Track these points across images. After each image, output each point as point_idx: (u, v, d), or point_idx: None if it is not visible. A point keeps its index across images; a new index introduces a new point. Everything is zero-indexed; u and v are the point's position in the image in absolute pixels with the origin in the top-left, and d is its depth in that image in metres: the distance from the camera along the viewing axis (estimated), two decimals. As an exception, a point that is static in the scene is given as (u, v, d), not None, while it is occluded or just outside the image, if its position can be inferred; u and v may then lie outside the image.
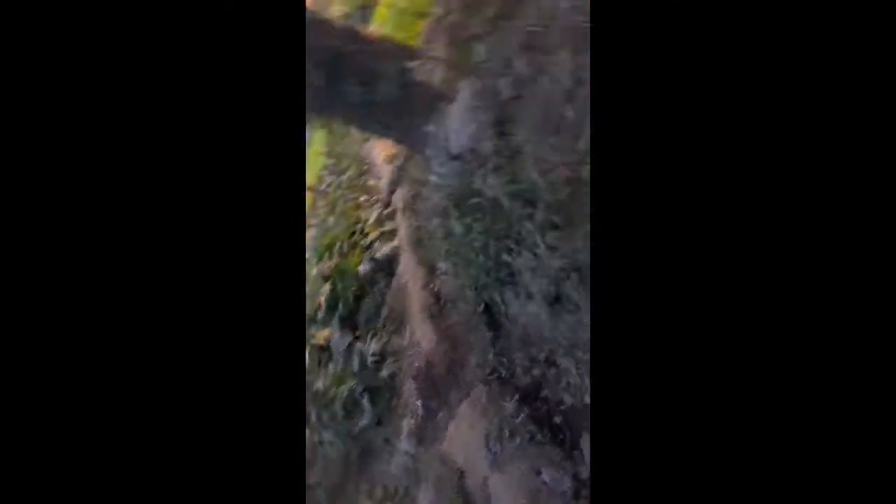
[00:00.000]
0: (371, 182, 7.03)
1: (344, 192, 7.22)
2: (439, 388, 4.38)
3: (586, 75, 2.41)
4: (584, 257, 2.51)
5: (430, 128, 4.15)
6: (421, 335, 4.78)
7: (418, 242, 5.57)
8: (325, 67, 3.71)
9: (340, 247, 5.83)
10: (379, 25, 6.84)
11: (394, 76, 4.03)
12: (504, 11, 3.66)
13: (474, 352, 4.02)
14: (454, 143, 3.78)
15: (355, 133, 7.70)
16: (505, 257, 3.20)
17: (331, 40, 3.83)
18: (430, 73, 4.76)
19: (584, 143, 2.50)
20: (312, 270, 6.01)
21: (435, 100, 4.08)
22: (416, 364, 4.55)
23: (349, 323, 5.37)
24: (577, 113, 2.49)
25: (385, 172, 6.75)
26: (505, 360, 3.71)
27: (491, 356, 3.76)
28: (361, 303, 5.50)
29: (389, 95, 3.98)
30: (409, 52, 4.70)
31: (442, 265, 5.08)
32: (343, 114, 4.03)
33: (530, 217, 2.70)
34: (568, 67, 2.56)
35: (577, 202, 2.48)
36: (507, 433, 3.21)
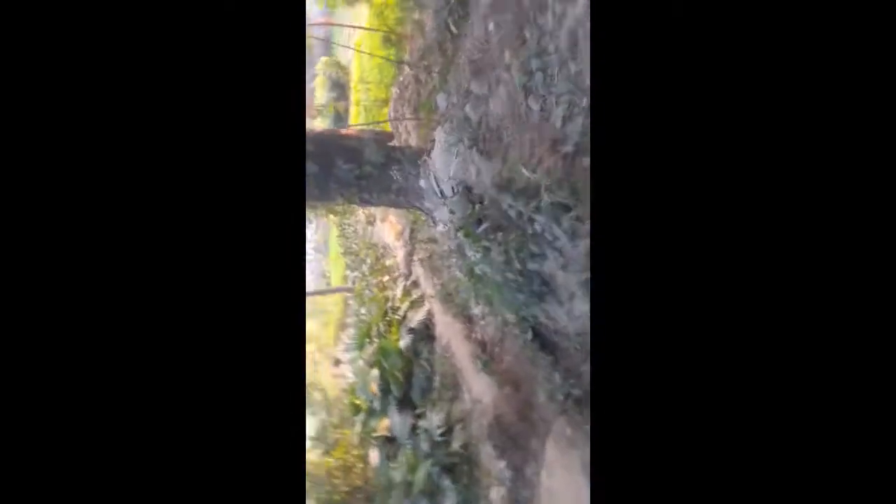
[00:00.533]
0: (388, 262, 7.14)
1: (367, 279, 7.33)
2: (517, 439, 3.93)
3: (533, 66, 2.46)
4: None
5: (422, 182, 4.26)
6: (480, 389, 4.42)
7: (447, 297, 5.43)
8: (316, 158, 3.95)
9: (378, 330, 5.73)
10: (354, 123, 7.50)
11: (376, 149, 4.26)
12: (446, 63, 3.93)
13: (540, 384, 3.66)
14: (446, 185, 3.84)
15: (360, 225, 8.03)
16: (531, 265, 3.03)
17: (317, 142, 4.14)
18: (407, 138, 5.03)
19: (558, 120, 2.47)
20: (358, 361, 5.87)
21: (416, 156, 4.24)
22: (486, 422, 4.14)
23: (407, 403, 5.07)
24: (539, 100, 2.51)
25: (398, 247, 6.88)
26: (572, 379, 3.35)
27: (558, 380, 3.40)
28: (412, 378, 5.24)
29: (376, 165, 4.16)
30: (385, 135, 5.04)
31: (476, 310, 4.88)
32: (341, 193, 4.20)
33: (537, 209, 2.59)
34: (515, 68, 2.64)
35: (576, 175, 2.37)
36: (605, 457, 2.76)
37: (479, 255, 3.42)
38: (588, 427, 2.98)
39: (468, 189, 3.42)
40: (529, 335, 3.63)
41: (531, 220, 2.81)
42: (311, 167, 4.03)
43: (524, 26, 2.62)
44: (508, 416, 3.95)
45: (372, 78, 6.00)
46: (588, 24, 2.23)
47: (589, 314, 3.04)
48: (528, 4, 2.62)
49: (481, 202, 3.24)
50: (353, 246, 8.35)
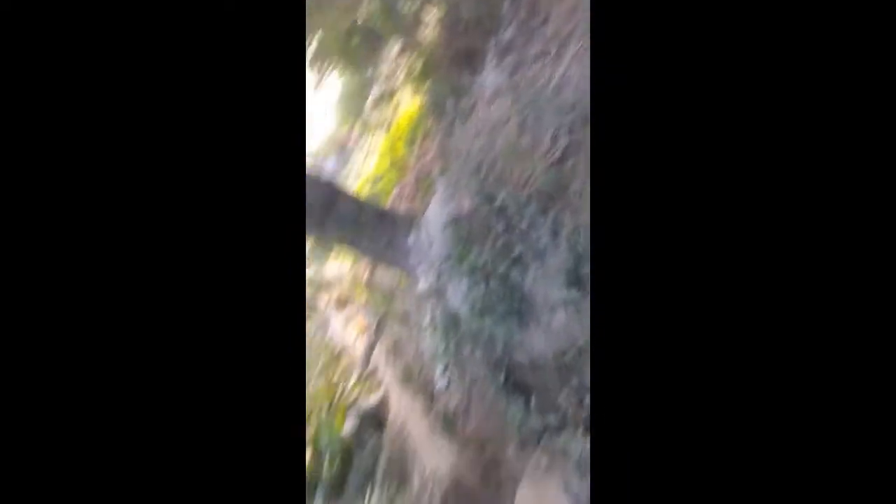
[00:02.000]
0: (346, 361, 6.63)
1: (315, 382, 6.60)
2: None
3: (508, 113, 3.31)
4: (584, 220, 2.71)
5: (410, 239, 4.64)
6: (437, 461, 3.69)
7: (407, 378, 4.98)
8: (320, 197, 4.37)
9: (319, 412, 4.96)
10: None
11: (375, 207, 4.77)
12: (447, 146, 4.89)
13: (512, 435, 3.25)
14: (436, 234, 4.23)
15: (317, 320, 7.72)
16: (513, 274, 3.20)
17: (323, 185, 4.67)
18: (404, 203, 5.63)
19: (549, 152, 3.17)
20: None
21: (409, 216, 4.75)
22: (439, 495, 3.35)
23: (336, 496, 4.01)
24: (530, 133, 3.25)
25: (359, 345, 6.53)
26: (551, 414, 3.07)
27: (533, 419, 3.09)
28: (349, 471, 4.29)
29: (373, 217, 4.60)
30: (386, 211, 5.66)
31: (441, 382, 4.50)
32: (336, 231, 4.44)
33: (527, 202, 2.97)
34: (497, 109, 3.48)
35: (562, 172, 2.88)
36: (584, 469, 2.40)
37: (463, 286, 3.55)
38: (564, 444, 2.64)
39: (456, 221, 3.82)
40: (502, 377, 3.43)
41: (520, 217, 3.17)
42: (316, 199, 4.39)
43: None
44: (470, 480, 3.30)
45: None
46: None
47: (567, 328, 3.07)
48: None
49: (470, 225, 3.61)
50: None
